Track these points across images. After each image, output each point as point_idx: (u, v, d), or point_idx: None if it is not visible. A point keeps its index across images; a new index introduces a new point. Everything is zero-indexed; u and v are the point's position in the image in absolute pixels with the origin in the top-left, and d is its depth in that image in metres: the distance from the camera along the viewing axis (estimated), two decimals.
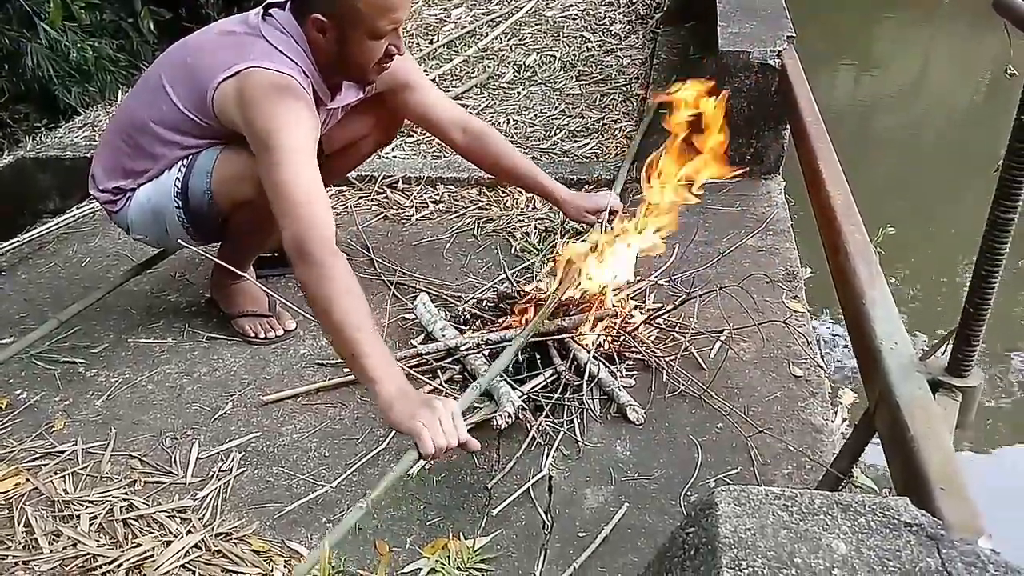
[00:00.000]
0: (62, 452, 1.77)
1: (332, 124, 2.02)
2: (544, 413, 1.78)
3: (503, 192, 2.79)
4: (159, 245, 2.12)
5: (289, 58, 1.73)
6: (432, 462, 1.48)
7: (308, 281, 1.54)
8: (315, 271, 1.53)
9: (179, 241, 1.94)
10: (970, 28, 6.31)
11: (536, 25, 4.37)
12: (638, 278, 2.14)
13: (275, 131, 1.63)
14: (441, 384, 1.88)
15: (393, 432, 1.76)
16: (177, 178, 1.87)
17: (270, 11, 1.78)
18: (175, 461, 1.74)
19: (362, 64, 1.78)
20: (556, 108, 3.46)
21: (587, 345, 1.90)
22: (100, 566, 1.48)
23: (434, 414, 1.43)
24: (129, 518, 1.59)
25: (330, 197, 2.79)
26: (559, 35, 4.22)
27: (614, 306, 1.99)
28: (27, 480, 1.68)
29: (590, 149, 3.07)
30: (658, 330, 2.02)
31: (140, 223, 1.96)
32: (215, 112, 1.76)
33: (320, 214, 1.59)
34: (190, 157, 1.86)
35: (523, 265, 2.37)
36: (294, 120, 1.65)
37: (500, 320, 2.01)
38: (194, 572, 1.47)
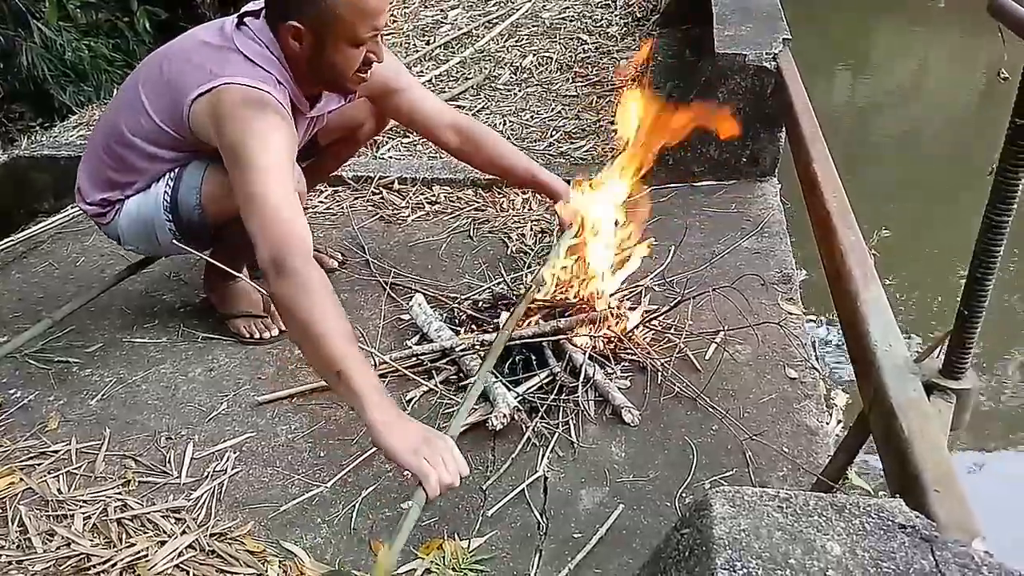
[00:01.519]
0: (56, 452, 1.76)
1: (317, 129, 2.01)
2: (539, 414, 1.78)
3: (499, 193, 2.79)
4: (151, 254, 2.11)
5: (263, 69, 1.70)
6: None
7: (288, 294, 1.48)
8: (295, 284, 1.47)
9: (173, 242, 1.94)
10: (966, 31, 6.32)
11: (533, 27, 4.37)
12: (623, 276, 2.15)
13: (248, 148, 1.60)
14: (436, 385, 1.88)
15: None
16: (166, 192, 1.86)
17: (244, 20, 1.75)
18: (169, 461, 1.73)
19: (341, 71, 1.73)
20: (552, 110, 3.46)
21: (582, 346, 1.90)
22: (94, 566, 1.47)
23: (436, 452, 1.36)
24: (123, 518, 1.58)
25: (325, 198, 2.80)
26: (555, 37, 4.22)
27: (609, 308, 1.99)
28: (21, 479, 1.68)
29: (586, 151, 3.07)
30: (653, 332, 2.03)
31: (131, 234, 1.96)
32: (191, 128, 1.75)
33: (297, 228, 1.54)
34: (176, 170, 1.85)
35: (519, 267, 2.37)
36: (267, 135, 1.62)
37: (495, 321, 2.01)
38: (188, 572, 1.47)
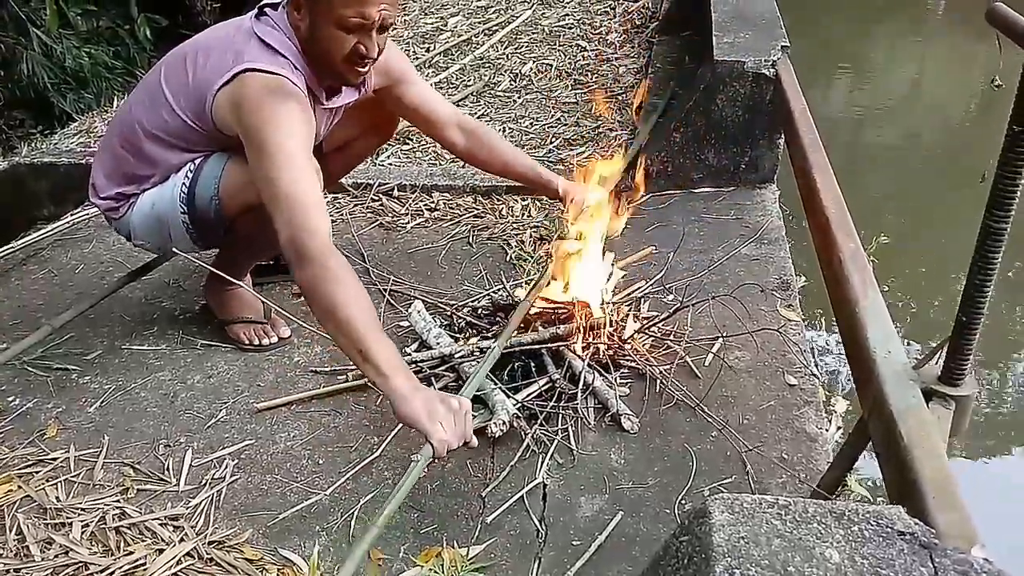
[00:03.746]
0: (54, 459, 1.76)
1: (333, 124, 2.01)
2: (539, 421, 1.77)
3: (498, 200, 2.80)
4: (159, 251, 2.11)
5: (280, 53, 1.73)
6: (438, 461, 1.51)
7: (309, 281, 1.54)
8: (316, 271, 1.54)
9: (174, 249, 1.94)
10: (964, 37, 6.34)
11: (532, 34, 4.38)
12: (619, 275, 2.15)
13: (268, 134, 1.63)
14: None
15: (387, 440, 1.76)
16: (183, 183, 1.87)
17: (264, 10, 1.79)
18: (168, 468, 1.73)
19: (328, 53, 1.73)
20: (552, 116, 3.46)
21: (581, 354, 1.90)
22: (92, 574, 1.47)
23: (451, 413, 1.45)
24: (121, 526, 1.58)
25: (326, 204, 2.79)
26: (555, 44, 4.23)
27: (609, 315, 1.99)
28: (19, 487, 1.67)
29: (586, 157, 3.07)
30: (653, 339, 2.03)
31: (143, 229, 1.96)
32: (214, 121, 1.77)
33: (316, 214, 1.59)
34: (196, 162, 1.87)
35: (518, 274, 2.37)
36: (287, 121, 1.65)
37: (494, 328, 2.01)
38: None
